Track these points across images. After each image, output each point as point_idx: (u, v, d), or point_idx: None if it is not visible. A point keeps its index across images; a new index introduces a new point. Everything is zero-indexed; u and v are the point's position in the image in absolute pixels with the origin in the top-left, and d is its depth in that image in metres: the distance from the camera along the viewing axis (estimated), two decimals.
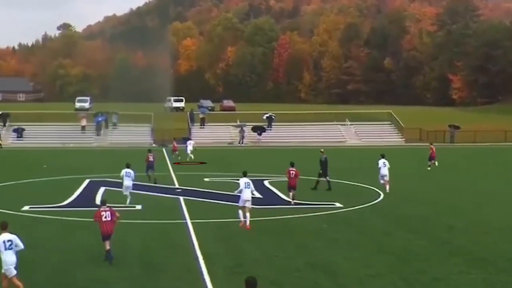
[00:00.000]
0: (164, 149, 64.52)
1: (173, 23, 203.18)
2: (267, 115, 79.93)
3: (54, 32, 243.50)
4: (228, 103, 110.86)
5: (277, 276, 18.67)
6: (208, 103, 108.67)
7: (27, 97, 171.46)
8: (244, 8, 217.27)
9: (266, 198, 33.52)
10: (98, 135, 76.13)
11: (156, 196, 34.24)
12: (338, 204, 31.32)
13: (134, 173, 31.47)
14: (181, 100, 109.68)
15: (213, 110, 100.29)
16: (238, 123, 77.91)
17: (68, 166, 48.71)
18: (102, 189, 36.19)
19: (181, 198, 33.19)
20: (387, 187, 35.05)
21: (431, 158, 49.02)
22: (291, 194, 31.41)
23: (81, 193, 35.56)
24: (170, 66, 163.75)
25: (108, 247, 19.91)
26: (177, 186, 38.45)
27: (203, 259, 20.45)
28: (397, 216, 28.54)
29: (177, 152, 55.90)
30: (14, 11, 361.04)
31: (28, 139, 73.82)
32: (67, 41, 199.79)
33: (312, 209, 30.10)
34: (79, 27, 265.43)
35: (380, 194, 34.46)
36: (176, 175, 43.17)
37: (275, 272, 19.14)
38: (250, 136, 75.38)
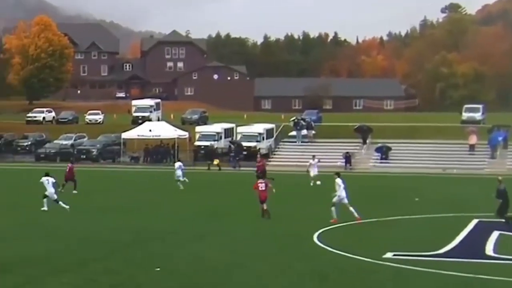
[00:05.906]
0: None
1: None
2: None
3: (437, 16, 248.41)
4: None
5: None
6: None
7: (396, 105, 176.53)
8: None
9: None
10: (493, 157, 75.56)
11: None
12: None
13: None
14: None
15: None
16: None
17: (450, 199, 49.31)
18: (495, 234, 35.68)
19: None
20: None
21: None
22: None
23: (465, 237, 35.57)
24: None
25: (265, 207, 39.29)
26: None
27: None
28: None
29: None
30: None
31: (395, 161, 75.30)
32: (453, 28, 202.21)
33: None
34: (472, 8, 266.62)
35: None
36: None
37: None
38: None
